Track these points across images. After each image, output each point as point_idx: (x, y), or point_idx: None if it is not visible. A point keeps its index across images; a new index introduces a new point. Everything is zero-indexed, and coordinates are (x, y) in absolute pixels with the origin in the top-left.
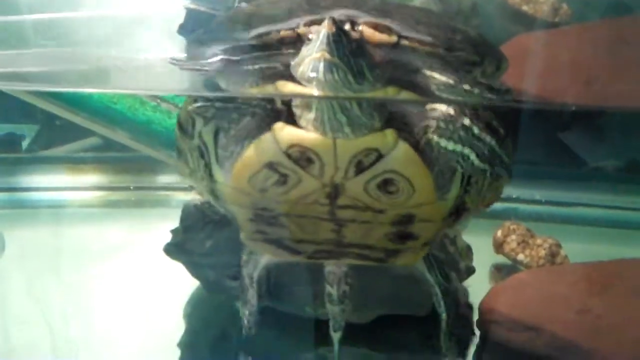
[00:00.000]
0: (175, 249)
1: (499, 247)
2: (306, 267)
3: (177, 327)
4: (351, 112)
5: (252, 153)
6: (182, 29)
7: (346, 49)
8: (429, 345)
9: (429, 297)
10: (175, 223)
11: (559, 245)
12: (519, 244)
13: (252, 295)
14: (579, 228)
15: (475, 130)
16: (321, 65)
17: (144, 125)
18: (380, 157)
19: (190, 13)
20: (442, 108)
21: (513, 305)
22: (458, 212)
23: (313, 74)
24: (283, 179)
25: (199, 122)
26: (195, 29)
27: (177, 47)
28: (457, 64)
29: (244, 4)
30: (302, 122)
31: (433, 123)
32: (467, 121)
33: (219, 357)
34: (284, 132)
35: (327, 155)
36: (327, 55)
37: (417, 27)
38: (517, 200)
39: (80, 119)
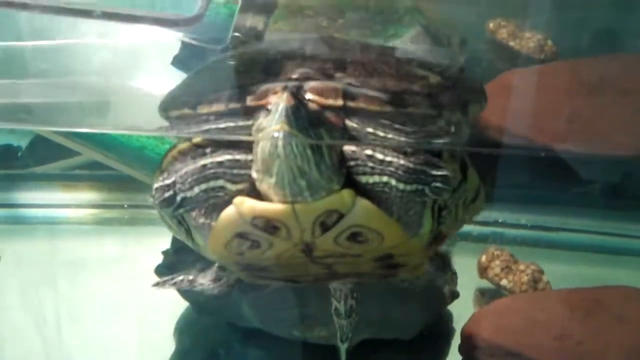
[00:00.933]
0: (166, 271)
1: (483, 271)
2: (293, 291)
3: (167, 345)
4: (310, 176)
5: (221, 226)
6: (176, 61)
7: (305, 121)
8: None
9: (416, 320)
10: (168, 241)
11: (541, 272)
12: (502, 269)
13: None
14: (564, 252)
15: (379, 156)
16: (279, 136)
17: (137, 151)
18: (341, 216)
19: (185, 45)
20: (351, 148)
21: (495, 331)
22: (437, 240)
23: (272, 148)
24: (256, 244)
25: None
26: (189, 62)
27: (171, 78)
28: (414, 119)
29: (238, 34)
30: (262, 187)
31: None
32: (368, 151)
33: None
34: (245, 206)
35: (290, 221)
36: (286, 127)
37: (369, 81)
38: (503, 224)
39: (73, 144)
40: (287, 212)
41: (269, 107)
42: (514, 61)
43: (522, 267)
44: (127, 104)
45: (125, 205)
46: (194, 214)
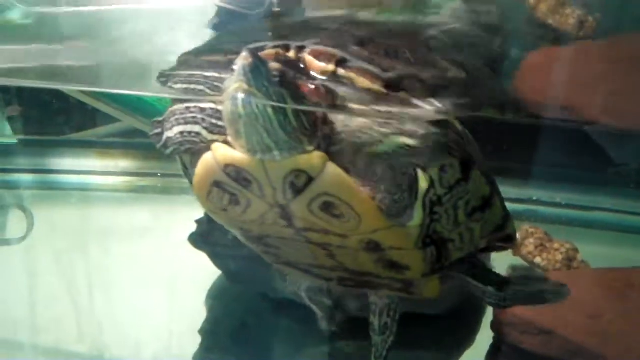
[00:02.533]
0: (199, 240)
1: (516, 249)
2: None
3: (198, 314)
4: (277, 136)
5: (200, 172)
6: (213, 25)
7: (264, 79)
8: (443, 345)
9: (449, 295)
10: (200, 212)
11: (576, 250)
12: (536, 247)
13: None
14: (598, 232)
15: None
16: (239, 96)
17: None
18: (310, 179)
19: (221, 10)
20: (356, 122)
21: (527, 308)
22: (437, 243)
23: (233, 107)
24: (235, 199)
25: None
26: (225, 26)
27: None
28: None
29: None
30: (235, 144)
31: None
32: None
33: (239, 345)
34: (219, 151)
35: (260, 175)
36: (244, 86)
37: (378, 59)
38: (538, 202)
39: (111, 109)
40: (256, 164)
41: (233, 67)
42: (554, 39)
43: (556, 245)
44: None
45: (159, 174)
46: (187, 159)
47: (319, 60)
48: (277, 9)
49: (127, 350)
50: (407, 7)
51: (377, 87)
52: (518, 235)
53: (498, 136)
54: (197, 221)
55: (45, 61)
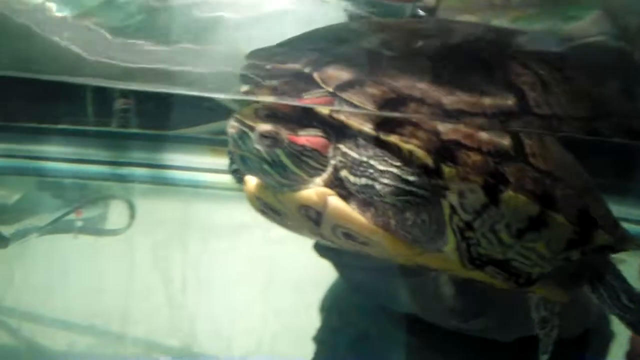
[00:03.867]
0: (325, 247)
1: None
2: (455, 280)
3: (310, 321)
4: (282, 181)
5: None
6: None
7: (254, 144)
8: None
9: (579, 320)
10: None
11: None
12: None
13: None
14: None
15: (374, 163)
16: (237, 158)
17: None
18: (319, 212)
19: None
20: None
21: None
22: (494, 264)
23: (235, 162)
24: (284, 218)
25: None
26: None
27: None
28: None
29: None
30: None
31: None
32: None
33: (359, 356)
34: (247, 185)
35: (279, 206)
36: (238, 150)
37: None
38: None
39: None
40: (272, 197)
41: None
42: None
43: None
44: None
45: None
46: None
47: (326, 83)
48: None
49: (217, 346)
50: (545, 14)
51: (367, 129)
52: None
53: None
54: None
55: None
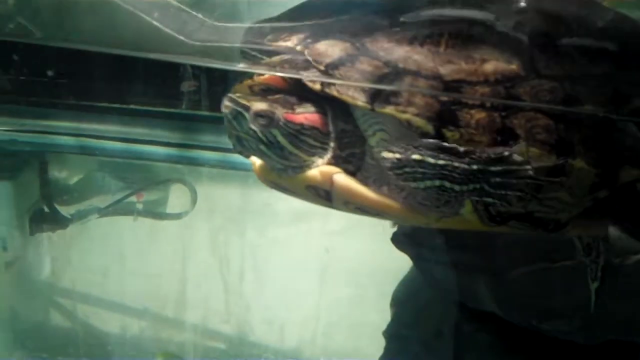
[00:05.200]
0: (405, 240)
1: None
2: (537, 280)
3: (365, 313)
4: (282, 162)
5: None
6: None
7: (249, 124)
8: None
9: None
10: None
11: None
12: None
13: None
14: None
15: (430, 160)
16: (233, 139)
17: None
18: (327, 191)
19: None
20: (388, 155)
21: None
22: (516, 218)
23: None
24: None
25: None
26: None
27: None
28: None
29: None
30: None
31: (392, 174)
32: (416, 156)
33: (431, 353)
34: (254, 167)
35: (288, 185)
36: (233, 131)
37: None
38: None
39: None
40: (278, 178)
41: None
42: None
43: None
44: None
45: None
46: None
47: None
48: None
49: (271, 334)
50: None
51: (360, 102)
52: None
53: None
54: None
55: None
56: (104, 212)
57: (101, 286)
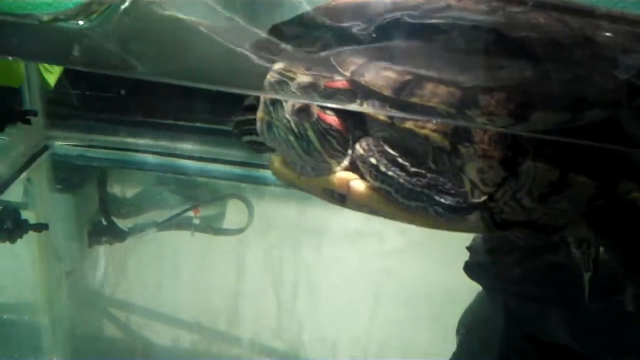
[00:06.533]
0: (479, 270)
1: None
2: (612, 316)
3: (419, 335)
4: (305, 159)
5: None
6: None
7: (285, 112)
8: None
9: None
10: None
11: None
12: None
13: None
14: None
15: (382, 168)
16: (259, 124)
17: None
18: (343, 195)
19: None
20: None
21: None
22: (519, 225)
23: (260, 132)
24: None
25: None
26: None
27: None
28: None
29: None
30: None
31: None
32: (373, 160)
33: None
34: (272, 165)
35: (305, 187)
36: (267, 117)
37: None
38: None
39: None
40: (294, 178)
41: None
42: None
43: None
44: None
45: None
46: None
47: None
48: None
49: (323, 352)
50: None
51: (381, 116)
52: None
53: None
54: (469, 249)
55: None
56: (161, 226)
57: (155, 299)
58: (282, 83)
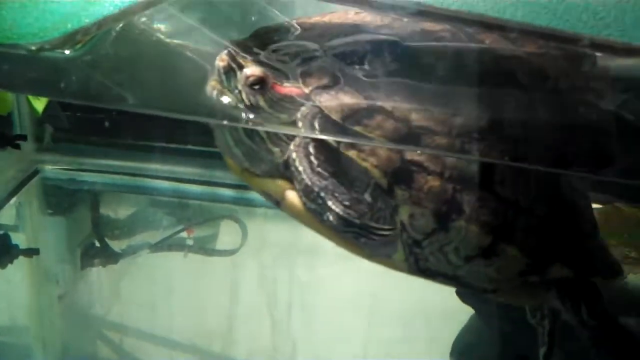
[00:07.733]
0: (470, 296)
1: None
2: None
3: (413, 354)
4: (246, 146)
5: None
6: None
7: (237, 83)
8: None
9: None
10: None
11: None
12: None
13: None
14: None
15: (315, 189)
16: (212, 92)
17: None
18: (278, 202)
19: None
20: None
21: None
22: (444, 276)
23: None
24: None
25: None
26: None
27: None
28: None
29: None
30: None
31: None
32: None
33: None
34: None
35: (248, 181)
36: (218, 85)
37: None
38: None
39: None
40: (237, 172)
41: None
42: None
43: None
44: None
45: None
46: None
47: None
48: None
49: None
50: None
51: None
52: None
53: None
54: None
55: None
56: (154, 247)
57: (149, 321)
58: (229, 71)
